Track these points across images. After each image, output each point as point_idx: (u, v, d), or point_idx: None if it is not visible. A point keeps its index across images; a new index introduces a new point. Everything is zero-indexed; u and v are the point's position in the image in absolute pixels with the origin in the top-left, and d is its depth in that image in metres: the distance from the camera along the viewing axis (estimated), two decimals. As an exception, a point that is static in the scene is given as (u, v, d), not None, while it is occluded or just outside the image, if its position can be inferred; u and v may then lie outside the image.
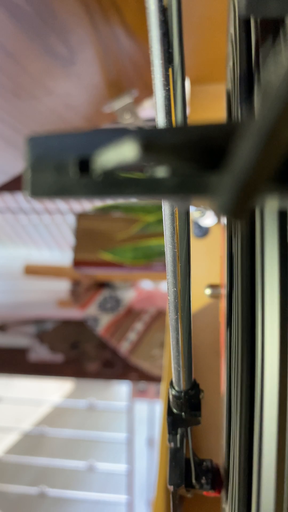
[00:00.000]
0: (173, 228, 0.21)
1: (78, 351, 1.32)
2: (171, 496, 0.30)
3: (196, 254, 0.59)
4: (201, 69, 0.63)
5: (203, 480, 0.29)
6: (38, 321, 1.38)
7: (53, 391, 1.75)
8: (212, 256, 0.58)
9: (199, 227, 0.59)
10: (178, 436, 0.30)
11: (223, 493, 0.29)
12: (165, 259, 0.23)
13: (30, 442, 1.57)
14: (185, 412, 0.28)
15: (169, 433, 0.30)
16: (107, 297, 1.33)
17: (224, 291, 0.32)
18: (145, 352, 1.24)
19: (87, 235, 1.07)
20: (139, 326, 1.27)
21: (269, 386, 0.17)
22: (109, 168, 0.12)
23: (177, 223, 0.21)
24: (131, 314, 1.30)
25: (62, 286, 1.36)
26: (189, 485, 0.30)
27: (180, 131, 0.12)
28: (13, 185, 1.07)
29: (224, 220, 0.36)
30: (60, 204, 1.21)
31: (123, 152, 0.11)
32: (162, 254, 1.01)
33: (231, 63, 0.29)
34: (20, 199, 1.23)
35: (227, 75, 0.37)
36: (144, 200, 0.92)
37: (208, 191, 0.11)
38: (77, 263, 1.06)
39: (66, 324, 1.37)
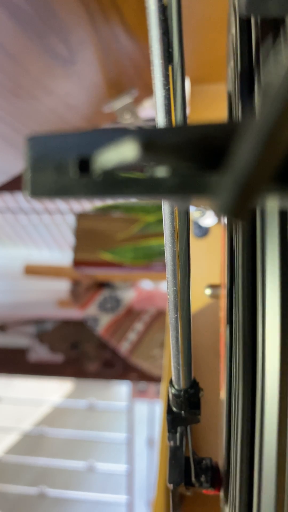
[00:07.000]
0: (173, 227, 0.21)
1: (78, 351, 1.32)
2: (171, 494, 0.30)
3: (196, 254, 0.59)
4: (201, 69, 0.63)
5: (203, 478, 0.29)
6: (38, 321, 1.38)
7: (53, 391, 1.75)
8: (212, 256, 0.58)
9: (199, 227, 0.59)
10: (178, 434, 0.30)
11: (222, 494, 0.29)
12: (165, 258, 0.23)
13: (30, 442, 1.57)
14: (184, 411, 0.29)
15: (169, 431, 0.30)
16: (107, 297, 1.33)
17: (224, 291, 0.32)
18: (145, 352, 1.24)
19: (87, 235, 1.07)
20: (139, 326, 1.27)
21: (270, 386, 0.17)
22: (109, 168, 0.12)
23: (177, 222, 0.21)
24: (131, 314, 1.30)
25: (62, 286, 1.36)
26: (188, 483, 0.30)
27: (180, 131, 0.12)
28: (13, 185, 1.07)
29: (224, 220, 0.36)
30: (60, 204, 1.21)
31: (123, 152, 0.11)
32: (162, 254, 1.01)
33: (232, 63, 0.29)
34: (20, 199, 1.23)
35: (227, 75, 0.37)
36: (144, 200, 0.92)
37: (208, 191, 0.11)
38: (77, 263, 1.06)
39: (66, 324, 1.37)
